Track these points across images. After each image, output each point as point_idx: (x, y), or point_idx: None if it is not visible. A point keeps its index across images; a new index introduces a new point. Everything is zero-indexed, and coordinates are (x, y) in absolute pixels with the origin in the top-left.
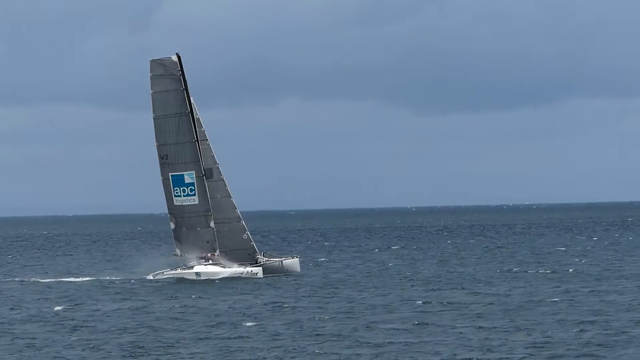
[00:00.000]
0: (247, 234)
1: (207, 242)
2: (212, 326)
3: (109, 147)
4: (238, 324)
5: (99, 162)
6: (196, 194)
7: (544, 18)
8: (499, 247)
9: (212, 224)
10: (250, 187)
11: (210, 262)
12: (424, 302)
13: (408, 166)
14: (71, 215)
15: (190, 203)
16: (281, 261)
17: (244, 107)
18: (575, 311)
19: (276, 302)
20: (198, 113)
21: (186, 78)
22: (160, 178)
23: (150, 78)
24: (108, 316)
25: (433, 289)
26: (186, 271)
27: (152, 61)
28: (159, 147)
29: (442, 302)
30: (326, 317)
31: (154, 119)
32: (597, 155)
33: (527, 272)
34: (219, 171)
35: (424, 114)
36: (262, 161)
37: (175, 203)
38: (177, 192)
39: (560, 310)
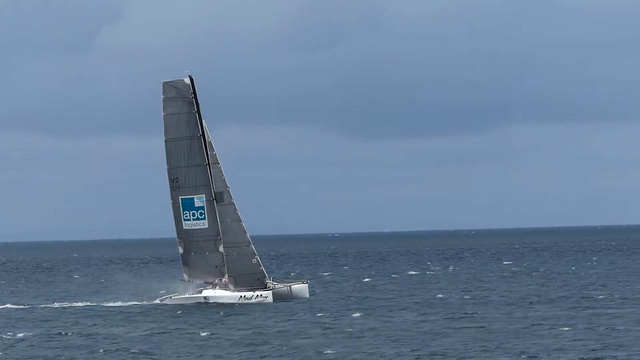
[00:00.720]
0: (257, 259)
1: (216, 266)
2: None
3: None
4: None
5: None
6: (206, 217)
7: (478, 43)
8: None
9: (221, 249)
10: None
11: (217, 287)
12: None
13: (342, 191)
14: None
15: (199, 227)
16: (290, 286)
17: None
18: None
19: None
20: (210, 136)
21: (198, 100)
22: (170, 202)
23: (163, 100)
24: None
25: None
26: (194, 295)
27: (164, 83)
28: (169, 170)
29: None
30: None
31: (165, 141)
32: (530, 181)
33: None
34: (230, 195)
35: (360, 139)
36: None
37: (185, 227)
38: (186, 216)
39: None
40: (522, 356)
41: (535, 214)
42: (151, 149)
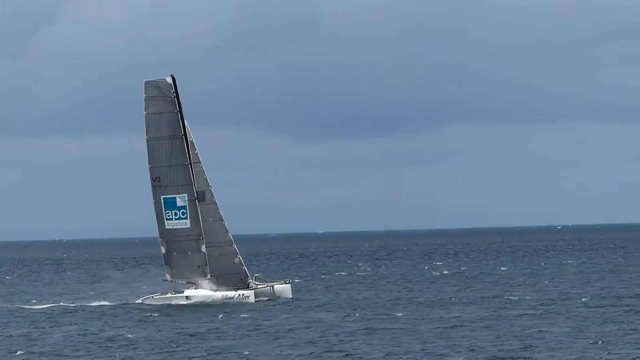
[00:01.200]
0: (239, 258)
1: (199, 266)
2: None
3: None
4: None
5: None
6: (188, 217)
7: (418, 43)
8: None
9: (203, 248)
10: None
11: (197, 287)
12: None
13: (284, 192)
14: None
15: (181, 227)
16: (272, 286)
17: (123, 136)
18: None
19: None
20: (192, 135)
21: (180, 100)
22: (152, 201)
23: (144, 99)
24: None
25: None
26: (176, 295)
27: (147, 82)
28: (151, 169)
29: None
30: None
31: (147, 140)
32: (472, 181)
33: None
34: (212, 194)
35: (301, 140)
36: (137, 189)
37: (167, 227)
38: (168, 216)
39: None
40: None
41: (476, 215)
42: (91, 150)
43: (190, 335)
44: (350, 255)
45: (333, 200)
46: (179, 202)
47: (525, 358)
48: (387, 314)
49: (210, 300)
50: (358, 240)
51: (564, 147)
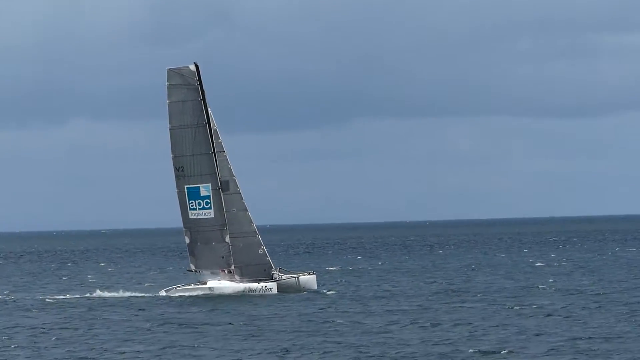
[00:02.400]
0: (263, 249)
1: (222, 257)
2: None
3: None
4: None
5: None
6: (212, 207)
7: (330, 38)
8: None
9: (227, 239)
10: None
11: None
12: None
13: None
14: None
15: (205, 217)
16: (297, 277)
17: (32, 128)
18: None
19: None
20: (215, 124)
21: (204, 88)
22: (175, 191)
23: (167, 87)
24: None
25: None
26: (200, 286)
27: (170, 70)
28: (174, 158)
29: None
30: None
31: (169, 129)
32: (384, 175)
33: None
34: (236, 184)
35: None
36: (51, 181)
37: (190, 217)
38: (192, 205)
39: None
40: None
41: (386, 209)
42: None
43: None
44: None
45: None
46: (203, 192)
47: None
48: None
49: (233, 292)
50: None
51: (476, 141)
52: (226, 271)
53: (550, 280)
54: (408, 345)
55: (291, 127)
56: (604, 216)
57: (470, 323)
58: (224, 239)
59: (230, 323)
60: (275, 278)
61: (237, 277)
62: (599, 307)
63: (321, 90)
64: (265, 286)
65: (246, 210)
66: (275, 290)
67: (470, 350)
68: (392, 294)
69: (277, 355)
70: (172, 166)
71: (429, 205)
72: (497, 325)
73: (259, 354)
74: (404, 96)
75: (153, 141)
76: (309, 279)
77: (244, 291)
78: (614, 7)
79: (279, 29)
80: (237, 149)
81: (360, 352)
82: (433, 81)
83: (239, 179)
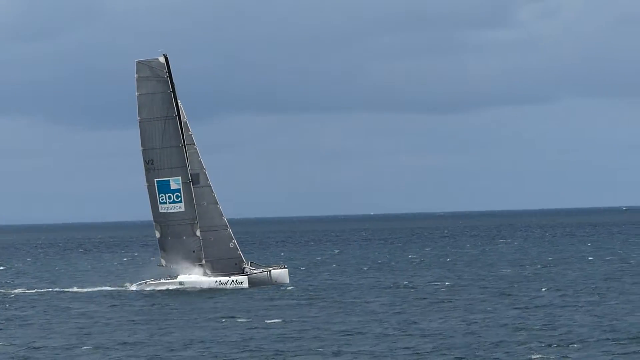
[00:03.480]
0: (234, 243)
1: (193, 251)
2: None
3: None
4: None
5: None
6: (182, 200)
7: (207, 34)
8: None
9: (198, 233)
10: None
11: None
12: None
13: (65, 181)
14: None
15: (176, 210)
16: (269, 271)
17: None
18: None
19: None
20: (185, 116)
21: (173, 80)
22: (145, 184)
23: (136, 80)
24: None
25: None
26: (170, 280)
27: (138, 62)
28: (144, 151)
29: None
30: None
31: (139, 122)
32: (251, 171)
33: None
34: (206, 177)
35: (78, 130)
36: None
37: (161, 210)
38: (162, 199)
39: None
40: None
41: (255, 204)
42: None
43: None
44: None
45: (106, 189)
46: (173, 185)
47: None
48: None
49: (203, 286)
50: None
51: (345, 137)
52: (197, 265)
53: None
54: None
55: None
56: (469, 212)
57: None
58: (195, 233)
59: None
60: (247, 272)
61: (207, 271)
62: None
63: (191, 86)
64: (236, 280)
65: (217, 203)
66: (246, 284)
67: None
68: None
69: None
70: (142, 159)
71: (293, 202)
72: None
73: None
74: (268, 92)
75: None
76: (280, 273)
77: (215, 285)
78: (479, 4)
79: (148, 25)
80: (101, 146)
81: None
82: (298, 77)
83: (105, 175)
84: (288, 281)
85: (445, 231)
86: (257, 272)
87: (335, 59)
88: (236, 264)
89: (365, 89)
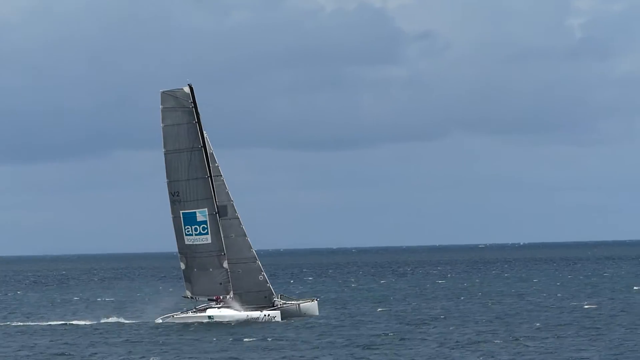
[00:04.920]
0: (264, 275)
1: (220, 283)
2: None
3: None
4: None
5: None
6: (209, 232)
7: (85, 72)
8: None
9: (225, 264)
10: None
11: (222, 304)
12: None
13: None
14: None
15: (202, 242)
16: (299, 304)
17: None
18: None
19: None
20: (212, 147)
21: (199, 110)
22: (170, 216)
23: (161, 110)
24: None
25: None
26: (198, 314)
27: (163, 93)
28: (169, 183)
29: None
30: None
31: (164, 154)
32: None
33: None
34: (234, 208)
35: None
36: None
37: (187, 242)
38: (188, 231)
39: None
40: None
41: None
42: None
43: None
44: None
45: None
46: (199, 217)
47: None
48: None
49: (233, 320)
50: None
51: (243, 172)
52: (221, 298)
53: None
54: None
55: (55, 157)
56: (362, 247)
57: None
58: (222, 265)
59: None
60: (277, 305)
61: (237, 304)
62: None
63: (79, 122)
64: (268, 314)
65: (245, 235)
66: (279, 319)
67: None
68: None
69: None
70: (167, 191)
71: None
72: None
73: None
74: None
75: None
76: (310, 306)
77: (245, 319)
78: (371, 40)
79: (42, 63)
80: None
81: None
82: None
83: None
84: (317, 313)
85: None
86: (287, 304)
87: (227, 95)
88: (266, 296)
89: (265, 125)
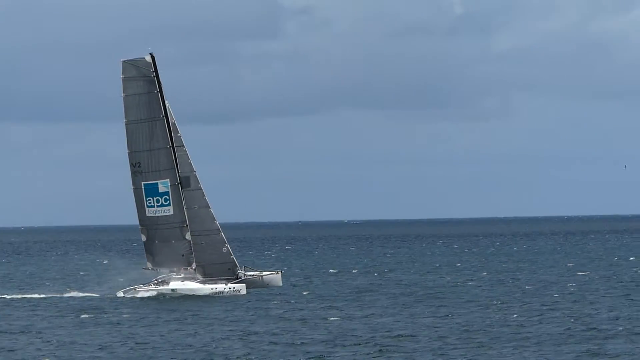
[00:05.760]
0: (227, 247)
1: (183, 255)
2: None
3: None
4: None
5: None
6: (171, 204)
7: None
8: None
9: (188, 236)
10: None
11: (183, 276)
12: None
13: None
14: None
15: (164, 214)
16: (262, 276)
17: None
18: None
19: None
20: (174, 117)
21: (160, 79)
22: (131, 187)
23: (122, 80)
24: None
25: None
26: (161, 287)
27: (124, 62)
28: (130, 154)
29: None
30: None
31: (125, 124)
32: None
33: None
34: (197, 179)
35: None
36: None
37: (148, 214)
38: (149, 202)
39: None
40: None
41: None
42: None
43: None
44: None
45: None
46: (161, 188)
47: None
48: None
49: (197, 294)
50: None
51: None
52: (188, 269)
53: None
54: None
55: None
56: (245, 223)
57: None
58: (184, 237)
59: None
60: (240, 277)
61: (199, 276)
62: None
63: None
64: (234, 287)
65: (208, 207)
66: (244, 292)
67: None
68: None
69: None
70: (128, 162)
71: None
72: None
73: None
74: (36, 101)
75: None
76: (274, 277)
77: (210, 293)
78: (252, 15)
79: None
80: None
81: None
82: (55, 86)
83: None
84: (281, 284)
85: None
86: (250, 274)
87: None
88: (229, 268)
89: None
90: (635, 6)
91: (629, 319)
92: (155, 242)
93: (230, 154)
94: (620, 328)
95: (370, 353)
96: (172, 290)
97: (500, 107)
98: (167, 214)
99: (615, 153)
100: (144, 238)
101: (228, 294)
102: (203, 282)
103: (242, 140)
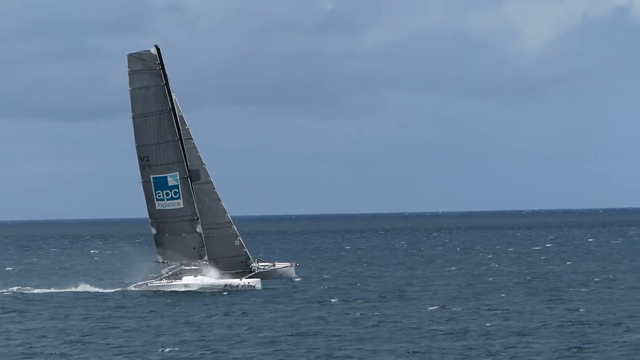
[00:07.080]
0: (240, 240)
1: (194, 248)
2: None
3: None
4: None
5: None
6: (180, 197)
7: None
8: None
9: (198, 229)
10: None
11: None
12: None
13: None
14: None
15: (174, 207)
16: (274, 268)
17: None
18: None
19: None
20: (181, 110)
21: (166, 72)
22: (140, 181)
23: (128, 74)
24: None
25: None
26: (173, 283)
27: (130, 55)
28: (138, 147)
29: None
30: None
31: (132, 117)
32: None
33: None
34: (207, 173)
35: None
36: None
37: (157, 207)
38: (159, 196)
39: None
40: None
41: None
42: None
43: None
44: None
45: None
46: (170, 182)
47: None
48: None
49: (212, 289)
50: None
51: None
52: (199, 262)
53: None
54: None
55: None
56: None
57: None
58: (195, 230)
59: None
60: (254, 270)
61: (212, 270)
62: None
63: None
64: (249, 283)
65: (219, 200)
66: (259, 286)
67: None
68: None
69: None
70: (137, 156)
71: None
72: None
73: None
74: None
75: None
76: (287, 270)
77: (225, 288)
78: (113, 11)
79: None
80: None
81: None
82: None
83: None
84: (294, 275)
85: None
86: (264, 268)
87: None
88: (242, 261)
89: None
90: (505, 0)
91: None
92: (165, 235)
93: (90, 150)
94: None
95: None
96: (185, 285)
97: (369, 105)
98: (177, 207)
99: (489, 148)
100: (154, 231)
101: (243, 289)
102: (218, 277)
103: (108, 137)
